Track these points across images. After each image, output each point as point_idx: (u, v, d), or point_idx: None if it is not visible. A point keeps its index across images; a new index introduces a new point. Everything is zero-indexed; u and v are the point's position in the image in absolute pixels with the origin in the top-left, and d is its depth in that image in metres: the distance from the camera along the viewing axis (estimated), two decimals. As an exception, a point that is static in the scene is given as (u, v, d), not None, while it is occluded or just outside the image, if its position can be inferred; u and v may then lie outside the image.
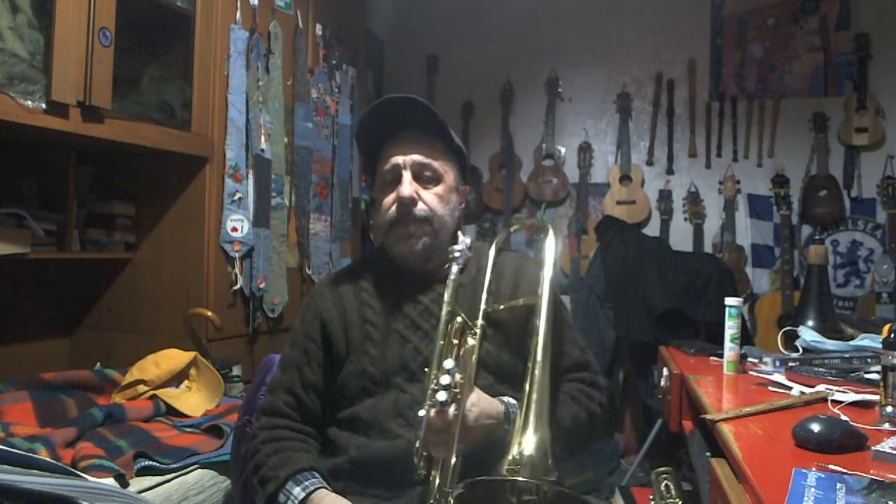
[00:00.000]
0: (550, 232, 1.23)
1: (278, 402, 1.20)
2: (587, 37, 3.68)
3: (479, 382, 1.10)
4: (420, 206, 1.18)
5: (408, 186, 1.17)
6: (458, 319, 1.12)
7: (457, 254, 1.19)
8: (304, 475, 1.10)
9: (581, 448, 1.25)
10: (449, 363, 1.00)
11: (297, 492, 1.07)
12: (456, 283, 1.17)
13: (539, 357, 0.99)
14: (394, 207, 1.19)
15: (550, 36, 3.73)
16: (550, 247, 1.19)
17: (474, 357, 1.07)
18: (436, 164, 1.21)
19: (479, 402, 1.03)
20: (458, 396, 0.99)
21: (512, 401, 1.09)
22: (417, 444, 1.02)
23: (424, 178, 1.20)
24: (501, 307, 1.17)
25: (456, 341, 1.11)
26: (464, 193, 1.29)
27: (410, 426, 1.10)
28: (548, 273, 1.12)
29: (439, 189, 1.21)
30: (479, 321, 1.12)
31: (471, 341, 1.10)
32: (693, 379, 1.54)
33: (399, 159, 1.20)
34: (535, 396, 0.94)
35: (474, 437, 1.01)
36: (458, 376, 1.01)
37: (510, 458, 0.88)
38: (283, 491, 1.08)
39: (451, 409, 0.98)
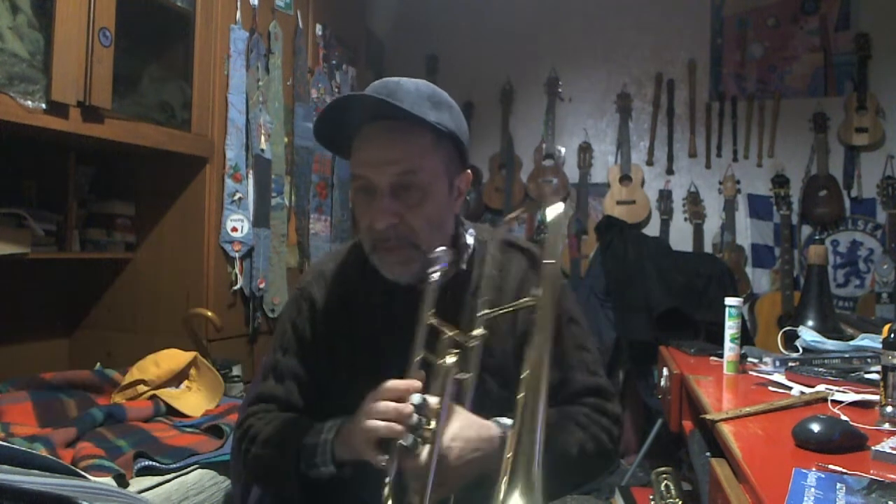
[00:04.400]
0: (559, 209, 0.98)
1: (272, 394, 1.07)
2: (587, 37, 3.68)
3: (482, 388, 0.93)
4: (402, 230, 0.94)
5: (384, 217, 0.93)
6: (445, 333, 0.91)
7: (437, 260, 0.94)
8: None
9: (586, 482, 1.01)
10: (416, 397, 0.84)
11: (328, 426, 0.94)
12: (434, 293, 0.93)
13: (539, 390, 0.76)
14: (371, 230, 0.96)
15: (550, 36, 3.72)
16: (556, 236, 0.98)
17: (469, 374, 0.86)
18: (421, 173, 0.93)
19: (462, 433, 0.85)
20: (433, 431, 0.82)
21: (509, 421, 0.87)
22: (386, 490, 0.82)
23: (407, 193, 0.93)
24: (492, 312, 0.94)
25: (441, 361, 0.89)
26: (465, 182, 1.02)
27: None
28: (553, 273, 0.93)
29: (428, 206, 0.95)
30: (478, 331, 0.90)
31: (449, 359, 0.88)
32: (693, 379, 1.54)
33: (372, 175, 0.93)
34: (525, 444, 0.71)
35: (460, 476, 0.84)
36: (433, 405, 0.84)
37: None
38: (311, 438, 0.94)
39: (425, 451, 0.81)
